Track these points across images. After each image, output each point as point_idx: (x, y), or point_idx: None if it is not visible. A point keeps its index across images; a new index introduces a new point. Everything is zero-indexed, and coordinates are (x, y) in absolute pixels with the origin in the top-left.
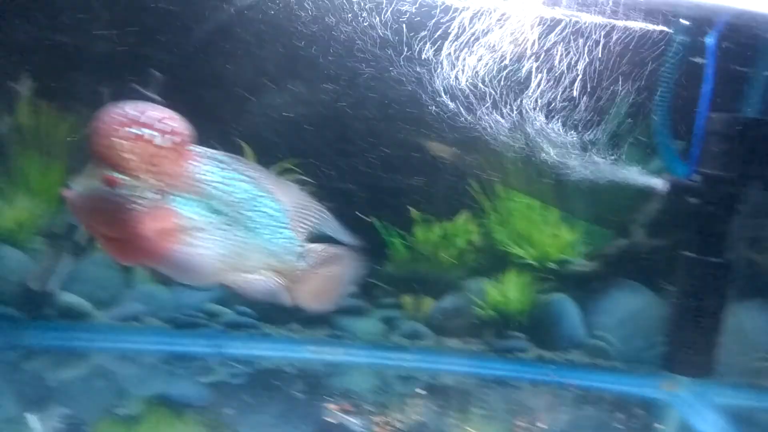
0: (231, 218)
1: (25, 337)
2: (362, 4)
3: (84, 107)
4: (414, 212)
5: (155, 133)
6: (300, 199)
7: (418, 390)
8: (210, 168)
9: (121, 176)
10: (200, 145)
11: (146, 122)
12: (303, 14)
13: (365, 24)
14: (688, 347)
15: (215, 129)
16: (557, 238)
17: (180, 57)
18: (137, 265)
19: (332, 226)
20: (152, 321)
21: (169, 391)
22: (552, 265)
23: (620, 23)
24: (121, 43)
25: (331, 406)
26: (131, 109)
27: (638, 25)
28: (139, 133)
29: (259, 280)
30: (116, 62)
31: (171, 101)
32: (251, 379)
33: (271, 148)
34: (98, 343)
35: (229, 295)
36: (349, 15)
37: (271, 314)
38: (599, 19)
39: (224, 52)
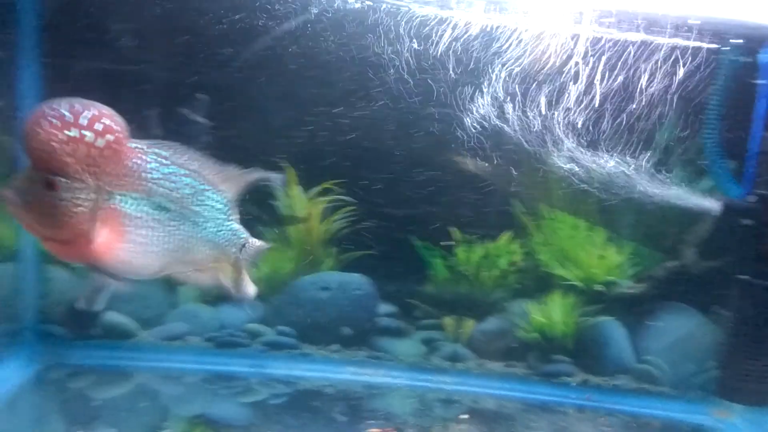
0: (177, 213)
1: (71, 356)
2: (405, 29)
3: (132, 130)
4: (456, 232)
5: (90, 133)
6: (240, 185)
7: (459, 414)
8: (152, 164)
9: (61, 179)
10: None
11: (81, 122)
12: (345, 39)
13: (408, 48)
14: (744, 373)
15: (259, 151)
16: (604, 260)
17: (226, 81)
18: (82, 264)
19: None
20: (195, 340)
21: (211, 410)
22: (599, 287)
23: (670, 42)
24: (169, 67)
25: (372, 429)
26: (64, 108)
27: (689, 43)
28: (75, 135)
29: (204, 272)
30: (164, 86)
31: (218, 123)
32: (291, 400)
33: (314, 170)
34: (142, 362)
35: (271, 315)
36: (392, 40)
37: (312, 334)
38: (649, 39)
39: (268, 76)
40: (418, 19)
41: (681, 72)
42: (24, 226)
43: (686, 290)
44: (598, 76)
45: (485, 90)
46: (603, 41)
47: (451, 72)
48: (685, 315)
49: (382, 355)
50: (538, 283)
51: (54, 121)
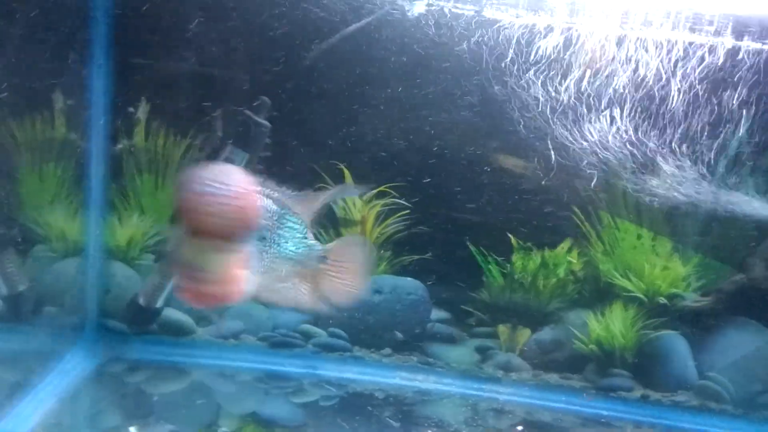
0: (269, 240)
1: (130, 351)
2: (467, 33)
3: (197, 131)
4: (513, 239)
5: (238, 200)
6: (314, 206)
7: (512, 425)
8: (260, 200)
9: (230, 242)
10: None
11: (232, 192)
12: (408, 41)
13: (468, 52)
14: None
15: (318, 152)
16: (668, 271)
17: (288, 83)
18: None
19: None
20: (249, 339)
21: (263, 409)
22: (662, 300)
23: (744, 45)
24: (232, 69)
25: None
26: (244, 179)
27: (763, 47)
28: (242, 203)
29: (288, 287)
30: (228, 88)
31: (277, 125)
32: (342, 402)
33: (371, 172)
34: (198, 359)
35: (323, 317)
36: (453, 43)
37: (364, 337)
38: (719, 41)
39: (329, 77)
40: (483, 22)
41: (755, 76)
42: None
43: (754, 305)
44: (667, 80)
45: (550, 95)
46: (679, 46)
47: (512, 76)
48: (753, 331)
49: (433, 362)
50: (597, 293)
51: (232, 193)
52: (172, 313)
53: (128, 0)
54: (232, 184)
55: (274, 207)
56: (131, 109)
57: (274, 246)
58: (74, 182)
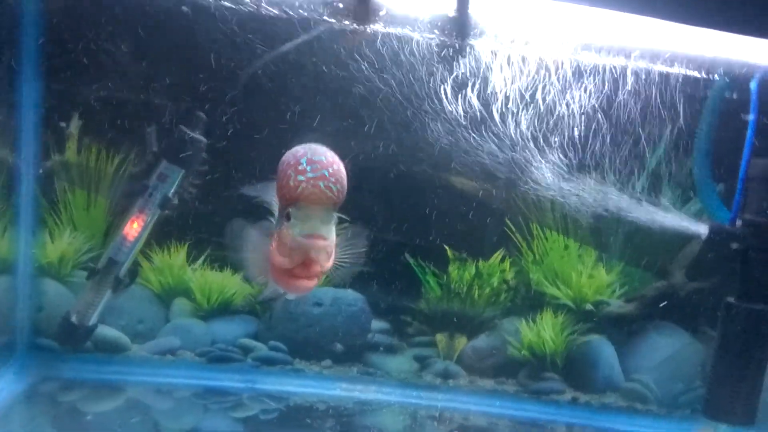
0: None
1: (63, 370)
2: (398, 52)
3: (130, 146)
4: (449, 251)
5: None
6: None
7: (450, 431)
8: None
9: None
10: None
11: (332, 161)
12: (331, 61)
13: (400, 70)
14: (729, 393)
15: (256, 167)
16: (594, 279)
17: (224, 99)
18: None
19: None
20: (187, 354)
21: (202, 425)
22: (589, 307)
23: (661, 69)
24: (166, 84)
25: None
26: (318, 152)
27: (680, 71)
28: (332, 171)
29: None
30: (162, 103)
31: (214, 141)
32: (283, 416)
33: None
34: (134, 376)
35: (263, 331)
36: (390, 63)
37: (304, 350)
38: (642, 65)
39: (267, 93)
40: (416, 44)
41: (672, 98)
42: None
43: (675, 310)
44: (592, 101)
45: (479, 111)
46: (596, 68)
47: (446, 93)
48: (673, 334)
49: (374, 372)
50: (529, 301)
51: (341, 165)
52: (107, 330)
53: (59, 14)
54: (329, 155)
55: None
56: (63, 124)
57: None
58: (3, 198)
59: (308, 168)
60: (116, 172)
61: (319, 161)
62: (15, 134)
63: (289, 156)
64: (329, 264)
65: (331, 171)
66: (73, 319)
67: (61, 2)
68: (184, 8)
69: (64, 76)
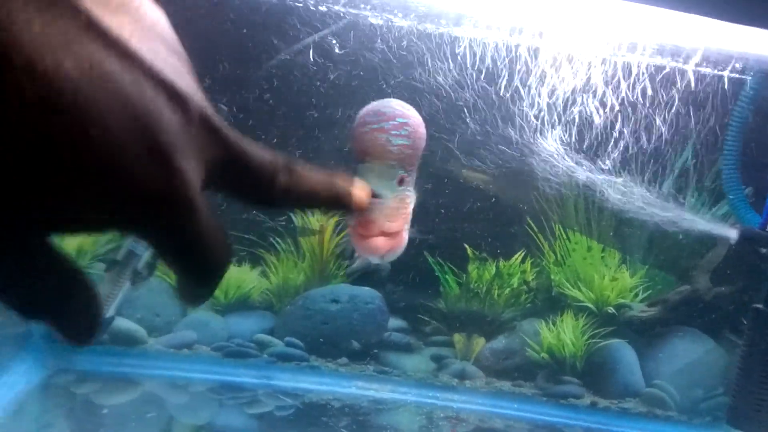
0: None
1: (78, 362)
2: (422, 44)
3: None
4: (469, 250)
5: (416, 125)
6: None
7: None
8: None
9: (407, 173)
10: None
11: (405, 112)
12: (356, 53)
13: (422, 64)
14: (751, 402)
15: None
16: (617, 282)
17: (240, 90)
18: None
19: None
20: (203, 349)
21: (216, 420)
22: (610, 310)
23: (690, 67)
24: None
25: None
26: (408, 108)
27: (710, 69)
28: (424, 132)
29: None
30: None
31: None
32: (298, 412)
33: None
34: (150, 369)
35: (280, 327)
36: (413, 53)
37: (320, 347)
38: (666, 63)
39: (283, 86)
40: (432, 35)
41: (701, 97)
42: (361, 224)
43: (698, 315)
44: (618, 99)
45: (505, 107)
46: (625, 66)
47: (471, 88)
48: (696, 340)
49: (390, 371)
50: (549, 303)
51: (417, 120)
52: (123, 323)
53: None
54: (399, 108)
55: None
56: None
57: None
58: None
59: (369, 119)
60: None
61: (383, 114)
62: None
63: (361, 111)
64: (394, 226)
65: (393, 123)
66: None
67: None
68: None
69: None
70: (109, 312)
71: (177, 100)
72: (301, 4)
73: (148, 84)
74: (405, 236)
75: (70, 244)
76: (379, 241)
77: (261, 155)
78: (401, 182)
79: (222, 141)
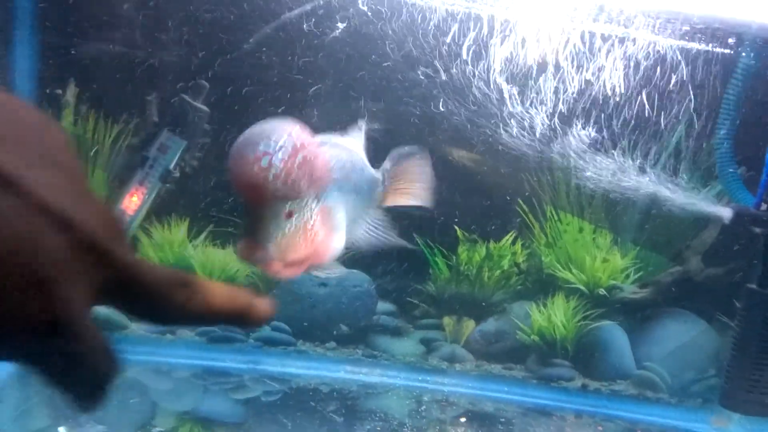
0: (347, 188)
1: None
2: (412, 22)
3: (130, 116)
4: (459, 232)
5: (309, 151)
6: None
7: (456, 416)
8: (327, 153)
9: (293, 204)
10: None
11: (304, 144)
12: (343, 30)
13: (412, 42)
14: (744, 383)
15: None
16: (608, 263)
17: (228, 69)
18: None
19: None
20: (187, 334)
21: (201, 406)
22: (601, 291)
23: (682, 43)
24: (168, 51)
25: (366, 428)
26: (289, 135)
27: (703, 45)
28: (302, 158)
29: (367, 226)
30: (163, 70)
31: (217, 111)
32: (285, 398)
33: None
34: (132, 355)
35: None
36: (402, 32)
37: (308, 331)
38: (660, 39)
39: (273, 65)
40: (427, 10)
41: (694, 73)
42: (262, 267)
43: (690, 297)
44: (609, 75)
45: (491, 86)
46: (616, 39)
47: (457, 67)
48: (688, 321)
49: (379, 354)
50: (540, 285)
51: (286, 155)
52: (103, 308)
53: None
54: (280, 142)
55: (343, 154)
56: (58, 92)
57: (351, 196)
58: None
59: (238, 162)
60: (115, 143)
61: (245, 156)
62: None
63: (233, 147)
64: (303, 251)
65: (260, 167)
66: None
67: None
68: None
69: (61, 42)
70: None
71: (61, 226)
72: None
73: (30, 212)
74: (331, 244)
75: None
76: (290, 271)
77: (157, 273)
78: (290, 216)
79: (112, 262)
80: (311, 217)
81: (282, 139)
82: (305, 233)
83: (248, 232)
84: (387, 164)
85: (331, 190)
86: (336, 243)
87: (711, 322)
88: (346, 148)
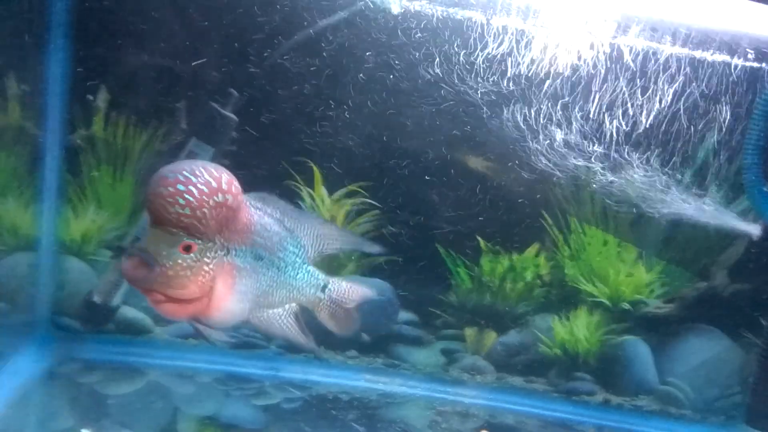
0: (267, 261)
1: (84, 350)
2: (439, 34)
3: (160, 122)
4: (482, 242)
5: (230, 196)
6: (319, 228)
7: (477, 428)
8: (254, 217)
9: (197, 241)
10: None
11: (223, 187)
12: (380, 41)
13: (440, 55)
14: None
15: (287, 150)
16: (632, 278)
17: (256, 78)
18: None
19: (356, 242)
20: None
21: (223, 411)
22: (625, 306)
23: (710, 58)
24: (199, 59)
25: None
26: (204, 173)
27: (735, 60)
28: (220, 200)
29: (280, 314)
30: (193, 79)
31: (246, 121)
32: (305, 405)
33: (342, 171)
34: (155, 359)
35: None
36: (428, 43)
37: (329, 339)
38: (688, 53)
39: (299, 75)
40: (455, 24)
41: (721, 89)
42: (143, 290)
43: (715, 313)
44: (638, 90)
45: (520, 100)
46: (641, 53)
47: (487, 80)
48: (712, 337)
49: (399, 364)
50: (563, 298)
51: (203, 187)
52: (129, 311)
53: None
54: (202, 177)
55: (276, 227)
56: (90, 97)
57: (272, 269)
58: (27, 172)
59: (154, 182)
60: (144, 149)
61: (165, 178)
62: (41, 106)
63: (168, 165)
64: (187, 292)
65: (171, 191)
66: (96, 298)
67: None
68: None
69: (93, 48)
70: (115, 300)
71: None
72: None
73: None
74: (225, 305)
75: (75, 230)
76: (169, 308)
77: None
78: (187, 249)
79: None
80: (211, 263)
81: (209, 177)
82: (197, 275)
83: (139, 250)
84: (345, 284)
85: (246, 253)
86: (232, 308)
87: (736, 338)
88: (288, 229)
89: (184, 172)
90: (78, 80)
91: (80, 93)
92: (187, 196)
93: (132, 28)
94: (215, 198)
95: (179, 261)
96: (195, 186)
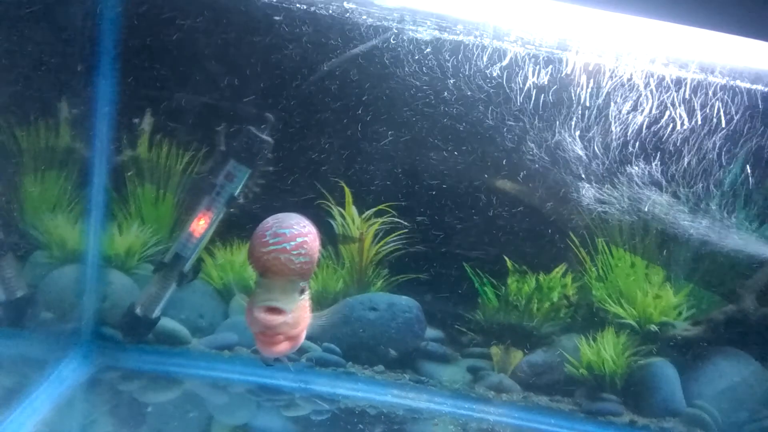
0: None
1: (125, 359)
2: (468, 63)
3: (200, 144)
4: (509, 262)
5: (315, 240)
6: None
7: None
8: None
9: (305, 283)
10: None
11: (317, 236)
12: (406, 67)
13: (469, 82)
14: None
15: (320, 172)
16: (660, 300)
17: (291, 101)
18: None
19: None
20: (243, 351)
21: (254, 422)
22: (653, 327)
23: (738, 84)
24: (238, 86)
25: None
26: (308, 225)
27: (756, 86)
28: (320, 247)
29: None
30: (232, 104)
31: (282, 142)
32: (334, 418)
33: (372, 191)
34: (192, 369)
35: (318, 332)
36: (454, 70)
37: (358, 354)
38: (718, 80)
39: (330, 98)
40: (484, 53)
41: (750, 114)
42: (271, 335)
43: (743, 336)
44: (665, 115)
45: (547, 122)
46: (670, 81)
47: (511, 103)
48: (740, 361)
49: (426, 380)
50: (590, 318)
51: (312, 236)
52: (168, 323)
53: (137, 12)
54: (296, 228)
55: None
56: (135, 120)
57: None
58: (76, 190)
59: (271, 241)
60: (185, 170)
61: (282, 234)
62: (90, 128)
63: (258, 228)
64: (296, 330)
65: (293, 244)
66: (138, 310)
67: (140, 1)
68: (276, 17)
69: (139, 74)
70: (156, 312)
71: None
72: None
73: None
74: (304, 333)
75: (120, 245)
76: (283, 347)
77: None
78: (302, 292)
79: None
80: (308, 297)
81: (308, 225)
82: (304, 311)
83: (261, 301)
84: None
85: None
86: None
87: (764, 362)
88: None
89: (295, 227)
90: (125, 104)
91: (127, 117)
92: (306, 246)
93: (176, 56)
94: (317, 241)
95: (299, 303)
96: (307, 236)
